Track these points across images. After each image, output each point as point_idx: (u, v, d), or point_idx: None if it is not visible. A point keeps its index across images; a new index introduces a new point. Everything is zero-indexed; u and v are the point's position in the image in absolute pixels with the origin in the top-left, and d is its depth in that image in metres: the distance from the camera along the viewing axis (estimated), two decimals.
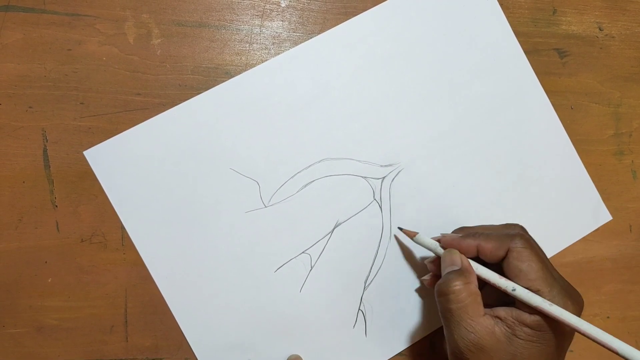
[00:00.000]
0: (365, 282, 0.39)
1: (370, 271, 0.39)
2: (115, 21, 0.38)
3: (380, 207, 0.40)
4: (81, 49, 0.38)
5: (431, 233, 0.38)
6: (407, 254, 0.40)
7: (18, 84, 0.37)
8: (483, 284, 0.34)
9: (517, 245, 0.32)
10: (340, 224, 0.39)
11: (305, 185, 0.39)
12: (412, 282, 0.40)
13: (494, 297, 0.34)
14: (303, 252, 0.39)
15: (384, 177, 0.40)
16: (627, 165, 0.45)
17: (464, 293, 0.31)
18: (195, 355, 0.37)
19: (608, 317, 0.43)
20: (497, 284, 0.32)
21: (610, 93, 0.45)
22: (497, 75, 0.42)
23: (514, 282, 0.32)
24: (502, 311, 0.32)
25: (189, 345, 0.37)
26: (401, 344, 0.40)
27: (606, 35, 0.45)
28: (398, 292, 0.40)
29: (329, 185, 0.39)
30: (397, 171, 0.40)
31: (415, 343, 0.40)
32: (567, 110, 0.44)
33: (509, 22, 0.43)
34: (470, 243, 0.34)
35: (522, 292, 0.31)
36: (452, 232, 0.37)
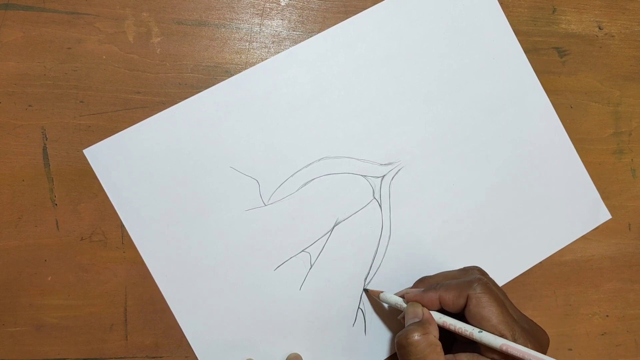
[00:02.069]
0: (365, 281, 0.39)
1: (370, 269, 0.40)
2: (115, 20, 0.38)
3: (380, 206, 0.40)
4: (81, 47, 0.38)
5: (429, 234, 0.38)
6: (407, 253, 0.40)
7: (18, 83, 0.37)
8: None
9: (476, 291, 0.32)
10: (340, 222, 0.39)
11: (305, 184, 0.39)
12: (412, 280, 0.40)
13: (468, 349, 0.34)
14: (303, 251, 0.39)
15: (383, 176, 0.40)
16: (626, 164, 0.45)
17: (422, 344, 0.31)
18: (195, 354, 0.37)
19: (607, 316, 0.43)
20: (462, 331, 0.32)
21: (610, 92, 0.45)
22: (496, 74, 0.42)
23: (478, 327, 0.32)
24: (464, 357, 0.32)
25: (188, 343, 0.37)
26: None
27: (606, 34, 0.45)
28: (398, 291, 0.40)
29: (329, 183, 0.39)
30: (397, 170, 0.40)
31: None
32: (566, 109, 0.44)
33: (509, 20, 0.43)
34: (432, 296, 0.34)
35: (486, 335, 0.31)
36: (414, 284, 0.38)
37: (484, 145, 0.42)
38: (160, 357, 0.37)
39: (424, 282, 0.37)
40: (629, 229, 0.44)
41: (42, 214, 0.37)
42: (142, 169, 0.37)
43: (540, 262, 0.42)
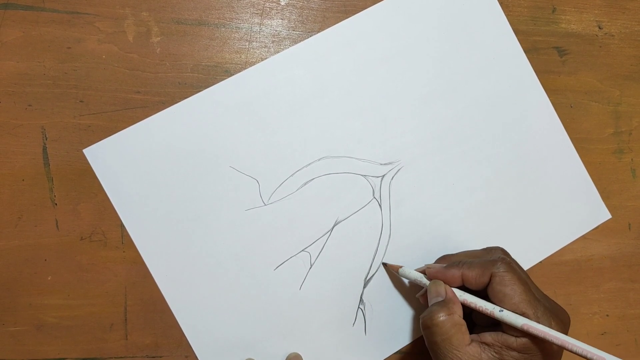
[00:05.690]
0: (364, 280, 0.39)
1: (369, 269, 0.39)
2: (115, 19, 0.38)
3: (380, 206, 0.40)
4: (81, 47, 0.38)
5: (429, 233, 0.38)
6: (406, 252, 0.40)
7: (17, 82, 0.37)
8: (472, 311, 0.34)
9: (500, 270, 0.32)
10: (339, 222, 0.39)
11: (305, 184, 0.39)
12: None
13: (484, 324, 0.34)
14: (303, 250, 0.39)
15: (383, 176, 0.40)
16: (626, 163, 0.45)
17: (448, 324, 0.32)
18: (195, 354, 0.37)
19: (607, 316, 0.43)
20: (482, 309, 0.32)
21: (610, 91, 0.45)
22: (496, 74, 0.42)
23: (500, 306, 0.32)
24: (488, 336, 0.32)
25: (188, 343, 0.37)
26: (400, 342, 0.40)
27: (606, 33, 0.45)
28: (397, 290, 0.40)
29: (329, 183, 0.39)
30: (397, 169, 0.40)
31: (415, 341, 0.40)
32: (566, 108, 0.44)
33: (509, 20, 0.43)
34: (455, 273, 0.34)
35: (507, 314, 0.31)
36: (436, 261, 0.37)
37: (483, 144, 0.42)
38: (160, 357, 0.37)
39: (445, 259, 0.37)
40: (629, 228, 0.44)
41: (42, 214, 0.37)
42: (142, 168, 0.37)
43: (540, 262, 0.42)
